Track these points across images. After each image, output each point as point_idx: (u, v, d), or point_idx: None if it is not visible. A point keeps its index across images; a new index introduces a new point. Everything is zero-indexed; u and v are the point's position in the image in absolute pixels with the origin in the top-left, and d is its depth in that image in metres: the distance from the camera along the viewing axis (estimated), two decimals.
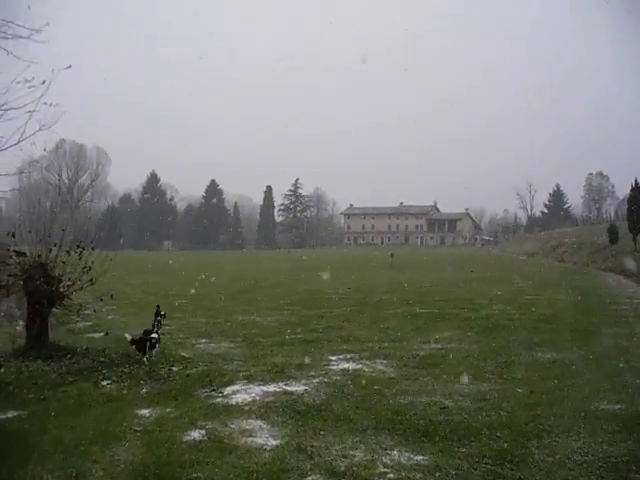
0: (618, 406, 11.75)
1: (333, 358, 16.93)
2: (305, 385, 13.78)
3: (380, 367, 15.70)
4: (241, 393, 13.19)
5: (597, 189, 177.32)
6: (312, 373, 15.02)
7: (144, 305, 29.80)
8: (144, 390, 13.57)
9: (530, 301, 31.37)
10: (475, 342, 19.20)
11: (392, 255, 69.70)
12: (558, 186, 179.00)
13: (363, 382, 13.88)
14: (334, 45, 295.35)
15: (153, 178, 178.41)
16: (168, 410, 11.80)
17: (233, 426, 10.78)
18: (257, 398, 12.71)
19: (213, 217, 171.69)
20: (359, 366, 15.90)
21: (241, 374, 14.96)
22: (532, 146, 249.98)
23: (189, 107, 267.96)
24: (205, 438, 10.16)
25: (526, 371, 14.87)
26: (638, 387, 13.23)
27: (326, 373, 15.00)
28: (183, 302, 31.97)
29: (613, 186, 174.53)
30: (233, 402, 12.45)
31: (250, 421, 11.06)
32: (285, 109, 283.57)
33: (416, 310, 27.59)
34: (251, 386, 13.78)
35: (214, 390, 13.42)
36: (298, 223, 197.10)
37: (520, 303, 30.43)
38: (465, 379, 13.96)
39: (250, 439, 10.09)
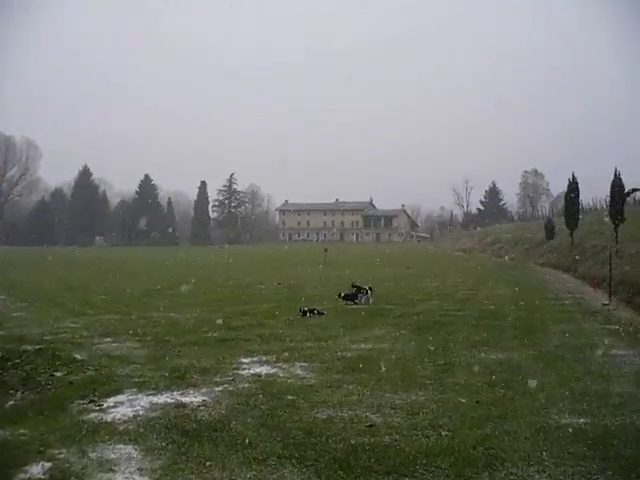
0: (582, 420, 9.67)
1: (246, 361, 14.67)
2: (205, 395, 11.45)
3: (299, 372, 13.42)
4: (124, 406, 10.82)
5: (532, 186, 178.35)
6: (217, 379, 12.72)
7: (59, 301, 28.52)
8: (11, 402, 11.26)
9: (469, 296, 29.71)
10: (410, 341, 17.13)
11: (326, 250, 67.57)
12: (494, 183, 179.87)
13: (275, 391, 11.59)
14: (273, 36, 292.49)
15: (85, 172, 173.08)
16: (21, 431, 9.30)
17: (93, 455, 8.32)
18: (141, 413, 10.33)
19: (146, 213, 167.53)
20: (274, 370, 13.63)
21: (134, 380, 12.70)
22: (468, 144, 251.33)
23: (127, 99, 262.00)
24: (45, 477, 7.65)
25: (469, 376, 12.73)
26: (600, 394, 11.20)
27: (233, 379, 12.70)
28: (101, 298, 30.19)
29: (548, 184, 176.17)
30: (109, 418, 10.03)
31: (119, 447, 8.62)
32: (224, 103, 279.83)
33: (346, 306, 25.59)
34: (139, 396, 11.44)
35: (93, 402, 11.07)
36: (233, 219, 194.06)
37: (458, 299, 28.67)
38: (398, 387, 11.77)
39: (107, 476, 7.62)
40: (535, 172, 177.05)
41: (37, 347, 16.10)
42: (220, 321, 20.97)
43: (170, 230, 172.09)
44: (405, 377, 12.60)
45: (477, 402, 10.64)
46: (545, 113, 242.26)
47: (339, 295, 26.64)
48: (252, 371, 13.51)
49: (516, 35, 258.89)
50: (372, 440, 8.73)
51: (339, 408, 10.40)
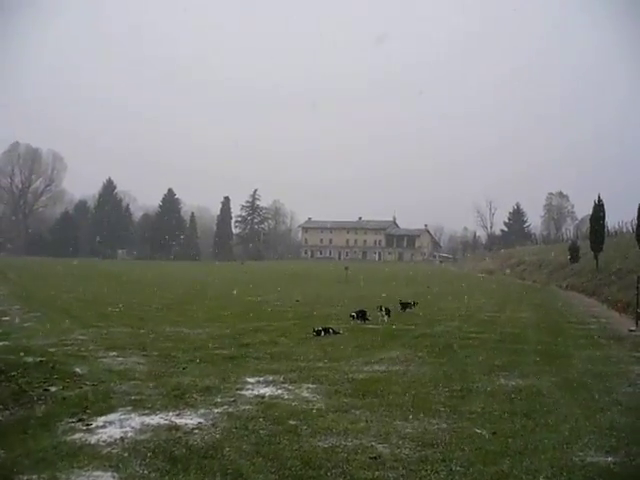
0: (610, 458, 8.78)
1: (251, 380, 13.93)
2: (201, 417, 10.70)
3: (305, 394, 12.63)
4: (114, 426, 10.11)
5: (557, 208, 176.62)
6: (218, 400, 11.97)
7: (73, 313, 28.08)
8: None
9: (490, 319, 28.73)
10: (426, 364, 16.26)
11: (347, 269, 66.82)
12: (518, 205, 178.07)
13: (277, 414, 10.80)
14: (301, 61, 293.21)
15: (109, 185, 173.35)
16: None
17: None
18: (129, 435, 9.59)
19: (169, 227, 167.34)
20: (279, 392, 12.86)
21: (130, 398, 12.06)
22: (494, 165, 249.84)
23: (152, 115, 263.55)
24: None
25: (486, 403, 11.86)
26: (630, 429, 10.27)
27: (234, 400, 11.94)
28: (115, 311, 29.65)
29: (573, 206, 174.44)
30: (94, 440, 9.30)
31: (96, 474, 7.88)
32: (249, 122, 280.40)
33: (364, 325, 24.75)
34: (132, 416, 10.74)
35: (81, 420, 10.37)
36: (255, 235, 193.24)
37: (479, 320, 27.70)
38: (409, 413, 10.93)
39: None
40: (560, 194, 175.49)
41: (39, 359, 15.59)
42: (231, 338, 20.43)
43: (192, 245, 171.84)
44: (418, 403, 11.79)
45: (494, 433, 9.80)
46: (572, 133, 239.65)
47: (350, 315, 25.84)
48: (256, 392, 12.76)
49: (530, 46, 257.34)
50: (376, 475, 7.93)
51: (343, 436, 9.61)
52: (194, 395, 12.26)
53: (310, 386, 13.33)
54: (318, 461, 8.39)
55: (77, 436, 9.45)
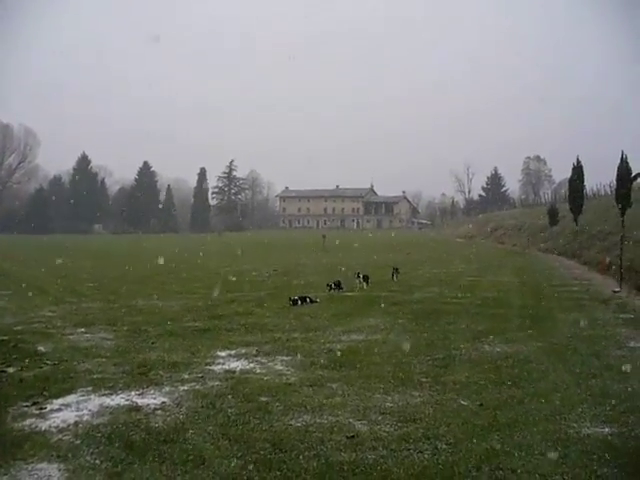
0: (607, 429, 8.10)
1: (222, 354, 13.21)
2: (166, 396, 9.92)
3: (278, 367, 11.89)
4: (69, 409, 9.32)
5: (534, 172, 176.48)
6: (185, 376, 11.19)
7: (45, 290, 27.29)
8: None
9: (471, 283, 28.16)
10: (407, 332, 15.58)
11: (324, 237, 66.19)
12: (496, 169, 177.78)
13: (247, 391, 10.02)
14: (274, 17, 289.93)
15: (83, 160, 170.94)
16: None
17: (2, 478, 6.77)
18: (85, 418, 8.80)
19: (145, 200, 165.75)
20: (251, 365, 12.12)
21: (92, 377, 11.27)
22: (469, 130, 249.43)
23: (127, 85, 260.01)
24: None
25: (471, 372, 11.15)
26: (624, 396, 9.60)
27: (203, 377, 11.17)
28: (89, 286, 28.93)
29: (550, 170, 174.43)
30: (45, 426, 8.50)
31: (40, 467, 7.06)
32: (224, 91, 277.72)
33: (342, 293, 24.16)
34: (91, 397, 9.95)
35: (36, 404, 9.54)
36: (232, 206, 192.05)
37: (460, 285, 27.07)
38: (389, 386, 10.21)
39: None
40: (537, 158, 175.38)
41: (0, 339, 14.91)
42: (205, 309, 19.90)
43: (169, 217, 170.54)
44: (398, 374, 11.07)
45: (481, 405, 9.08)
46: (546, 97, 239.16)
47: (327, 285, 25.16)
48: (227, 366, 12.02)
49: (515, 18, 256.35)
50: (353, 457, 7.17)
51: (318, 413, 8.85)
52: (160, 372, 11.49)
53: (284, 359, 12.60)
54: (289, 442, 7.63)
55: (27, 422, 8.63)
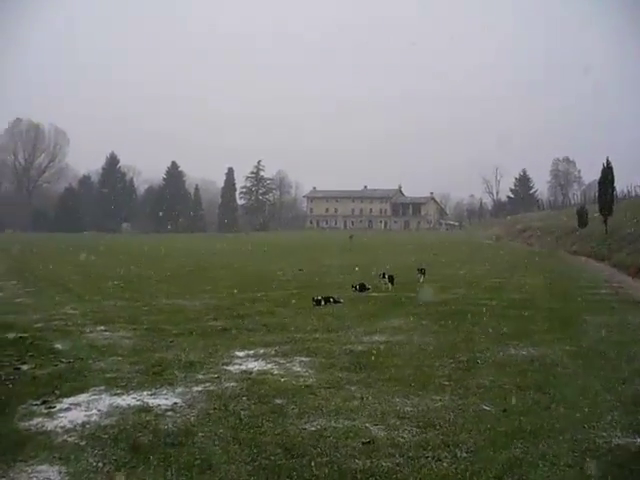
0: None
1: (241, 354, 12.91)
2: (178, 396, 9.63)
3: (297, 368, 11.56)
4: (79, 408, 9.08)
5: (563, 174, 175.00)
6: (200, 376, 10.90)
7: (69, 287, 27.15)
8: None
9: (497, 284, 27.67)
10: (431, 333, 15.19)
11: (351, 237, 66.07)
12: (524, 171, 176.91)
13: (263, 392, 9.71)
14: (305, 26, 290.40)
15: (112, 159, 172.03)
16: None
17: None
18: (93, 419, 8.54)
19: (173, 200, 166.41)
20: (269, 366, 11.79)
21: (105, 376, 11.02)
22: (499, 132, 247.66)
23: (157, 88, 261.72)
24: None
25: (495, 376, 10.75)
26: None
27: (218, 377, 10.87)
28: (114, 284, 28.61)
29: (579, 171, 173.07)
30: (52, 426, 8.26)
31: (39, 469, 6.78)
32: (252, 93, 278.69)
33: (367, 294, 23.74)
34: (102, 396, 9.70)
35: (46, 402, 9.31)
36: (260, 206, 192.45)
37: (486, 286, 26.63)
38: (410, 389, 9.85)
39: None
40: (567, 159, 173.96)
41: (19, 335, 14.79)
42: (228, 309, 19.72)
43: (197, 217, 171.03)
44: (420, 376, 10.70)
45: (504, 411, 8.68)
46: (577, 98, 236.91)
47: (352, 286, 24.82)
48: (244, 367, 11.71)
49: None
50: (367, 464, 6.82)
51: (334, 416, 8.51)
52: (175, 372, 11.21)
53: (303, 359, 12.28)
54: (302, 448, 7.30)
55: (34, 422, 8.39)
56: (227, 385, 10.26)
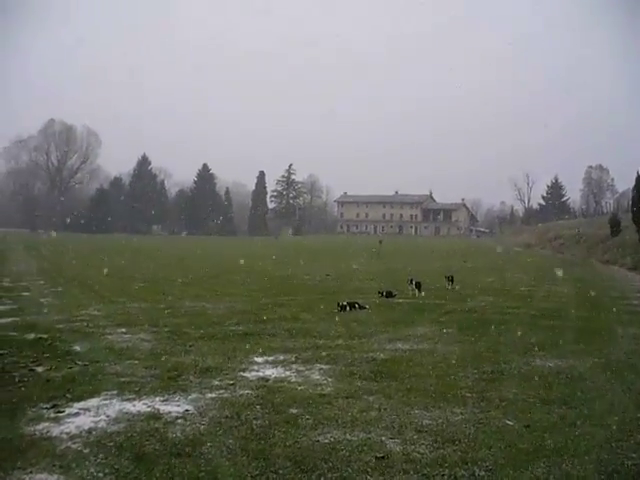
0: None
1: (259, 360, 12.61)
2: (191, 403, 9.34)
3: (315, 376, 11.23)
4: (88, 413, 8.82)
5: (596, 182, 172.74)
6: (215, 383, 10.62)
7: (95, 288, 27.44)
8: None
9: (526, 293, 27.18)
10: (455, 342, 14.80)
11: (381, 242, 65.71)
12: (556, 178, 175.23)
13: (278, 400, 9.41)
14: (337, 32, 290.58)
15: (144, 161, 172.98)
16: None
17: None
18: (100, 425, 8.27)
19: (204, 202, 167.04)
20: (287, 373, 11.48)
21: (119, 380, 10.76)
22: (531, 138, 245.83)
23: (188, 93, 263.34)
24: None
25: (520, 388, 10.34)
26: None
27: (234, 384, 10.56)
28: (140, 285, 29.08)
29: (613, 179, 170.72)
30: (57, 431, 8.00)
31: (39, 477, 6.54)
32: (283, 96, 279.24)
33: (393, 300, 23.45)
34: (113, 401, 9.42)
35: (56, 406, 9.07)
36: (291, 210, 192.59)
37: (514, 295, 26.18)
38: (430, 400, 9.50)
39: None
40: (600, 167, 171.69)
41: (38, 336, 14.72)
42: (252, 313, 19.57)
43: (227, 220, 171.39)
44: (441, 387, 10.32)
45: (527, 427, 8.28)
46: (610, 106, 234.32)
47: (379, 292, 24.54)
48: (261, 373, 11.41)
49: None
50: None
51: (349, 428, 8.17)
52: (190, 377, 10.95)
53: (323, 367, 11.95)
54: (313, 461, 6.96)
55: (41, 426, 8.14)
56: (242, 392, 9.97)
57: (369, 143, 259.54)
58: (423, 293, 25.09)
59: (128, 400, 9.47)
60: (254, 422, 8.38)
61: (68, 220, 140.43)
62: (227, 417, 8.61)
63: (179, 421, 8.42)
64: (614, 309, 21.73)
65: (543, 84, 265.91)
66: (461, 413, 8.95)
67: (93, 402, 9.34)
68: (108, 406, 9.15)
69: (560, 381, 10.96)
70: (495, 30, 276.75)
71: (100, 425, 8.24)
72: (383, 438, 7.82)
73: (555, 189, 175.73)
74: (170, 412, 8.84)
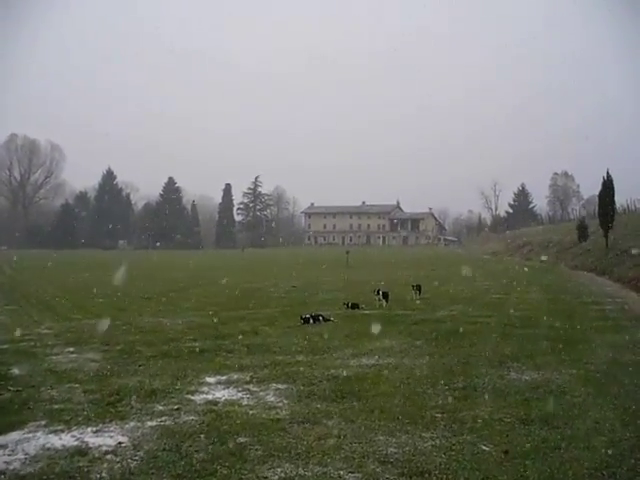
0: None
1: (211, 380, 11.60)
2: (127, 433, 8.29)
3: (270, 398, 10.21)
4: (3, 452, 7.70)
5: (562, 189, 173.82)
6: (159, 408, 9.58)
7: (51, 305, 26.60)
8: None
9: (497, 301, 26.39)
10: (424, 355, 13.88)
11: (348, 253, 64.56)
12: (523, 186, 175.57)
13: (226, 428, 8.36)
14: (301, 45, 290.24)
15: (109, 175, 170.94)
16: None
17: None
18: (14, 466, 7.20)
19: (170, 216, 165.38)
20: (239, 395, 10.47)
21: (52, 407, 9.75)
22: (497, 146, 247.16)
23: (157, 104, 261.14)
24: None
25: (495, 406, 9.40)
26: None
27: (179, 409, 9.52)
28: (99, 301, 28.00)
29: (578, 186, 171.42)
30: None
31: None
32: (249, 108, 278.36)
33: (359, 312, 22.54)
34: (38, 434, 8.37)
35: None
36: (258, 222, 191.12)
37: (485, 303, 25.35)
38: (396, 424, 8.51)
39: None
40: (565, 174, 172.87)
41: None
42: (211, 328, 18.74)
43: (194, 233, 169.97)
44: (409, 407, 9.35)
45: (506, 453, 7.32)
46: (574, 111, 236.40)
47: (344, 304, 23.72)
48: (211, 396, 10.39)
49: (531, 26, 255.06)
50: None
51: (303, 460, 7.16)
52: (132, 402, 9.90)
53: (280, 387, 10.95)
54: None
55: None
56: (186, 419, 8.93)
57: (336, 154, 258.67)
58: (390, 303, 24.17)
59: (55, 432, 8.40)
60: (195, 455, 7.35)
61: (32, 236, 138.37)
62: (165, 450, 7.57)
63: (108, 457, 7.36)
64: (588, 315, 21.05)
65: (506, 91, 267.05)
66: (431, 438, 7.97)
67: (13, 436, 8.27)
68: (30, 440, 8.07)
69: (538, 396, 10.05)
70: (466, 45, 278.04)
71: (13, 466, 7.12)
72: (341, 472, 6.82)
73: (522, 196, 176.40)
74: (100, 446, 7.76)
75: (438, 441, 7.85)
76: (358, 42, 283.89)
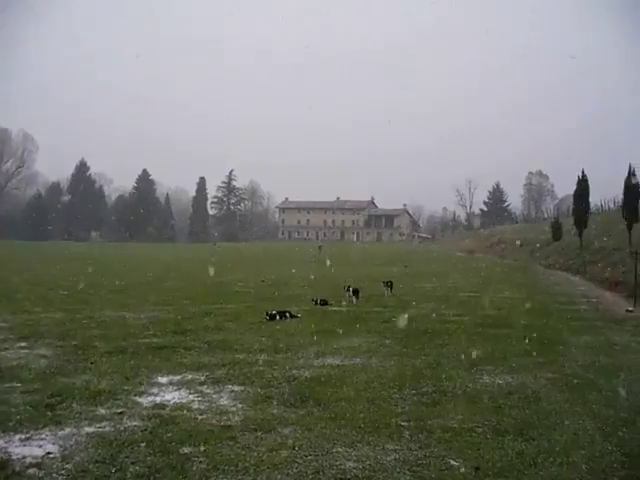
0: None
1: (163, 380, 10.83)
2: (60, 441, 7.49)
3: (223, 401, 9.45)
4: None
5: (537, 188, 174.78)
6: (101, 411, 8.79)
7: (13, 298, 25.05)
8: None
9: (470, 299, 25.83)
10: (392, 356, 13.22)
11: (320, 247, 64.09)
12: (498, 184, 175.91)
13: (169, 435, 7.58)
14: (278, 36, 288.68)
15: (82, 166, 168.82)
16: None
17: None
18: None
19: (144, 208, 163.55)
20: (190, 397, 9.69)
21: None
22: (472, 144, 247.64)
23: (133, 95, 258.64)
24: None
25: (465, 414, 8.70)
26: None
27: (122, 412, 8.73)
28: (63, 294, 26.88)
29: (552, 185, 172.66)
30: None
31: None
32: (227, 102, 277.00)
33: (328, 308, 21.95)
34: None
35: None
36: (232, 216, 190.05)
37: (458, 301, 24.79)
38: (357, 433, 7.77)
39: None
40: (540, 173, 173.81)
41: None
42: (174, 323, 17.96)
43: (167, 226, 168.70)
44: (373, 414, 8.63)
45: (477, 469, 6.61)
46: (550, 113, 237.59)
47: (312, 300, 23.15)
48: (159, 398, 9.59)
49: (516, 35, 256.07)
50: None
51: (252, 475, 6.39)
52: (73, 404, 9.08)
53: (235, 389, 10.19)
54: None
55: None
56: (128, 425, 8.13)
57: (310, 150, 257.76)
58: (361, 300, 23.51)
59: None
60: (130, 468, 6.56)
61: (2, 227, 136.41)
62: (98, 462, 6.75)
63: (30, 471, 6.51)
64: (563, 315, 20.62)
65: (481, 89, 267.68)
66: (395, 450, 7.23)
67: None
68: None
69: (512, 403, 9.37)
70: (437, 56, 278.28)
71: None
72: None
73: (496, 194, 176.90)
74: (25, 457, 6.91)
75: (403, 454, 7.11)
76: (346, 40, 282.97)
